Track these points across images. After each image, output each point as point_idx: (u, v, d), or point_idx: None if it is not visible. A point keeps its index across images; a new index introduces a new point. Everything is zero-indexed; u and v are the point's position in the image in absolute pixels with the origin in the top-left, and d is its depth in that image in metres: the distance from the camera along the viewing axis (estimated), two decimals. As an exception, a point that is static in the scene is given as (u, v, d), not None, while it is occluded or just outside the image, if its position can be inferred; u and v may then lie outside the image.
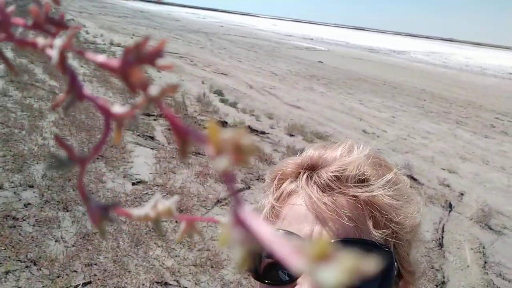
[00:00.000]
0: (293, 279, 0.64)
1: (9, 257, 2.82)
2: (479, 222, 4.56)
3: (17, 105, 5.83)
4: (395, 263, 0.67)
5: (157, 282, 2.87)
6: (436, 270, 3.59)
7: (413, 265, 0.73)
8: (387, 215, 0.67)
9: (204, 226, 3.59)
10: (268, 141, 6.31)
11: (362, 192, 0.68)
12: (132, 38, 17.89)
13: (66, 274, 2.77)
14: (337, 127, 7.90)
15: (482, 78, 23.53)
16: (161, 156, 4.95)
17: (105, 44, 14.74)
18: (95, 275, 2.82)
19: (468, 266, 3.73)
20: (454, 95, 14.62)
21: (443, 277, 3.52)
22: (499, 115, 11.65)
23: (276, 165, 0.81)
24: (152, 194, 3.98)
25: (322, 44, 38.08)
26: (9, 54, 9.22)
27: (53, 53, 0.19)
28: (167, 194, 4.08)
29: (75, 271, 2.83)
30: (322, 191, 0.69)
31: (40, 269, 2.77)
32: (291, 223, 0.68)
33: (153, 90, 0.17)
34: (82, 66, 9.64)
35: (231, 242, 0.15)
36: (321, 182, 0.69)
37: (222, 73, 12.34)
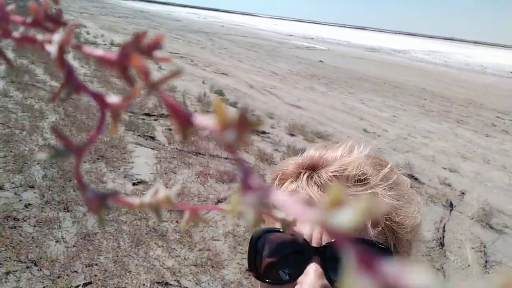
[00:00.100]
0: (293, 278, 0.65)
1: (9, 257, 2.82)
2: (480, 221, 4.56)
3: (18, 106, 5.84)
4: None
5: (158, 282, 2.87)
6: (437, 269, 3.59)
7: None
8: (388, 215, 0.68)
9: (205, 226, 3.59)
10: (268, 141, 6.31)
11: (362, 192, 0.68)
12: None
13: (67, 275, 2.77)
14: (338, 126, 7.90)
15: (483, 77, 23.52)
16: (161, 156, 4.95)
17: (105, 44, 14.75)
18: (95, 275, 2.82)
19: (469, 266, 3.72)
20: (454, 94, 14.62)
21: (444, 277, 3.52)
22: (500, 114, 11.65)
23: (277, 165, 0.81)
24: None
25: (323, 43, 38.09)
26: (10, 54, 9.23)
27: (52, 48, 0.19)
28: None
29: (75, 271, 2.83)
30: (322, 191, 0.69)
31: (40, 270, 2.77)
32: None
33: (154, 76, 0.18)
34: (82, 67, 9.65)
35: (242, 205, 0.15)
36: (321, 182, 0.70)
37: (222, 73, 12.34)
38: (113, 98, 0.19)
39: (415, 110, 10.64)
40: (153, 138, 5.52)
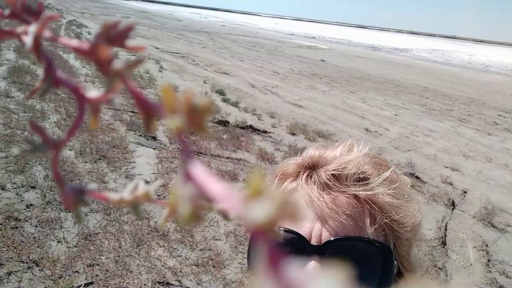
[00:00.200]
0: None
1: (11, 258, 2.83)
2: (482, 220, 4.54)
3: (20, 106, 5.85)
4: (395, 262, 0.67)
5: (159, 282, 2.87)
6: (439, 268, 3.57)
7: (413, 265, 0.73)
8: (387, 213, 0.67)
9: (206, 226, 3.59)
10: (270, 140, 6.31)
11: (361, 191, 0.68)
12: (134, 38, 17.89)
13: (68, 275, 2.77)
14: (339, 125, 7.89)
15: (485, 75, 23.45)
16: (163, 156, 4.95)
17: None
18: (97, 275, 2.82)
19: (471, 265, 3.71)
20: (457, 92, 14.58)
21: (446, 276, 3.51)
22: (502, 112, 11.61)
23: (277, 165, 0.82)
24: (154, 194, 3.98)
25: (324, 42, 38.06)
26: (11, 55, 9.25)
27: (27, 39, 0.18)
28: (169, 194, 4.08)
29: (77, 271, 2.83)
30: (321, 190, 0.69)
31: (42, 270, 2.78)
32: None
33: (117, 64, 0.17)
34: (84, 67, 9.66)
35: (181, 197, 0.14)
36: (320, 181, 0.70)
37: (224, 73, 12.35)
38: (92, 92, 0.19)
39: (417, 109, 10.61)
40: (154, 138, 5.53)
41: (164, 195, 3.73)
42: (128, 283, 2.81)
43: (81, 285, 2.72)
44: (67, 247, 3.05)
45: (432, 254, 3.76)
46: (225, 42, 24.13)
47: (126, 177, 4.28)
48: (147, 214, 3.58)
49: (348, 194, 0.68)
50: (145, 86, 8.78)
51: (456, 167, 6.27)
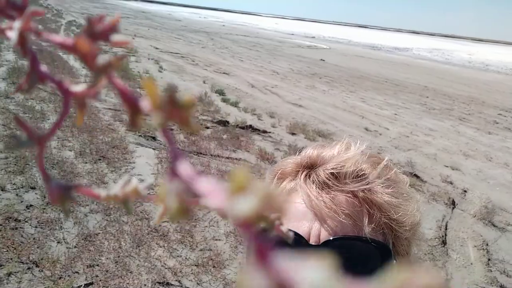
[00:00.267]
0: None
1: (11, 258, 2.82)
2: (483, 219, 4.53)
3: (19, 107, 5.85)
4: (394, 261, 0.67)
5: (159, 283, 2.87)
6: (439, 267, 3.57)
7: (413, 264, 0.73)
8: (386, 213, 0.67)
9: (206, 226, 3.58)
10: (270, 140, 6.30)
11: (359, 187, 0.67)
12: (133, 38, 17.92)
13: (68, 276, 2.77)
14: (339, 125, 7.89)
15: (485, 74, 23.44)
16: (162, 156, 4.95)
17: (106, 45, 14.76)
18: (97, 276, 2.82)
19: (471, 264, 3.71)
20: (457, 91, 14.57)
21: (446, 275, 3.50)
22: (502, 111, 11.60)
23: (276, 164, 0.82)
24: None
25: (324, 42, 38.05)
26: (11, 56, 9.25)
27: (12, 35, 0.18)
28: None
29: (77, 272, 2.83)
30: (320, 189, 0.69)
31: (42, 271, 2.77)
32: (290, 220, 0.68)
33: (101, 60, 0.17)
34: (84, 68, 9.66)
35: (167, 194, 0.14)
36: (318, 181, 0.69)
37: (223, 73, 12.34)
38: (78, 87, 0.19)
39: (417, 108, 10.61)
40: (154, 138, 5.52)
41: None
42: (128, 283, 2.81)
43: (81, 285, 2.71)
44: (67, 247, 3.05)
45: (432, 253, 3.75)
46: (225, 42, 24.13)
47: (126, 177, 4.27)
48: (147, 215, 3.58)
49: (347, 193, 0.68)
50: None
51: (456, 166, 6.26)
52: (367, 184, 0.68)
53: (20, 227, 3.18)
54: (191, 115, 0.15)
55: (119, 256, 3.04)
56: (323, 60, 20.10)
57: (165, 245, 3.27)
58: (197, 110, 7.40)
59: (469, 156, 6.94)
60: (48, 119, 5.58)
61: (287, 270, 0.11)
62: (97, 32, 0.17)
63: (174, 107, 0.15)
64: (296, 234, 0.66)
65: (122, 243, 3.20)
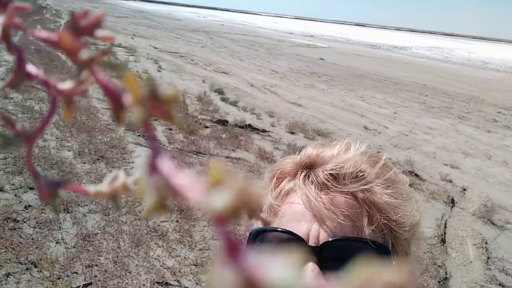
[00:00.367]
0: None
1: (9, 259, 2.82)
2: (482, 218, 4.54)
3: (18, 107, 5.85)
4: (393, 262, 0.67)
5: (158, 283, 2.87)
6: (439, 266, 3.57)
7: (412, 265, 0.72)
8: (386, 214, 0.67)
9: (205, 226, 3.58)
10: (269, 139, 6.30)
11: (358, 187, 0.67)
12: (132, 38, 17.91)
13: (67, 276, 2.77)
14: (339, 124, 7.88)
15: (484, 73, 23.44)
16: (161, 156, 4.95)
17: (105, 44, 14.76)
18: (95, 276, 2.82)
19: (470, 262, 3.71)
20: (456, 90, 14.57)
21: (446, 273, 3.51)
22: (502, 110, 11.60)
23: (275, 164, 0.81)
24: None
25: (323, 41, 38.03)
26: (9, 56, 9.24)
27: None
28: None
29: (75, 272, 2.83)
30: (319, 190, 0.68)
31: (40, 271, 2.77)
32: (289, 221, 0.68)
33: (84, 54, 0.17)
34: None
35: (146, 189, 0.14)
36: (317, 181, 0.69)
37: (222, 72, 12.34)
38: (65, 84, 0.19)
39: (416, 107, 10.61)
40: (153, 138, 5.52)
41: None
42: (127, 283, 2.81)
43: (80, 286, 2.71)
44: (65, 248, 3.05)
45: (431, 252, 3.76)
46: (224, 41, 24.12)
47: (124, 177, 4.27)
48: (146, 214, 3.58)
49: (346, 194, 0.68)
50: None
51: (456, 164, 6.26)
52: (366, 184, 0.68)
53: (19, 228, 3.18)
54: (174, 109, 0.15)
55: (118, 256, 3.04)
56: (322, 59, 20.10)
57: (164, 245, 3.27)
58: (196, 110, 7.39)
59: (468, 154, 6.94)
60: (47, 119, 5.58)
61: (256, 266, 0.11)
62: (81, 27, 0.18)
63: (155, 101, 0.15)
64: (294, 235, 0.66)
65: (121, 243, 3.20)
